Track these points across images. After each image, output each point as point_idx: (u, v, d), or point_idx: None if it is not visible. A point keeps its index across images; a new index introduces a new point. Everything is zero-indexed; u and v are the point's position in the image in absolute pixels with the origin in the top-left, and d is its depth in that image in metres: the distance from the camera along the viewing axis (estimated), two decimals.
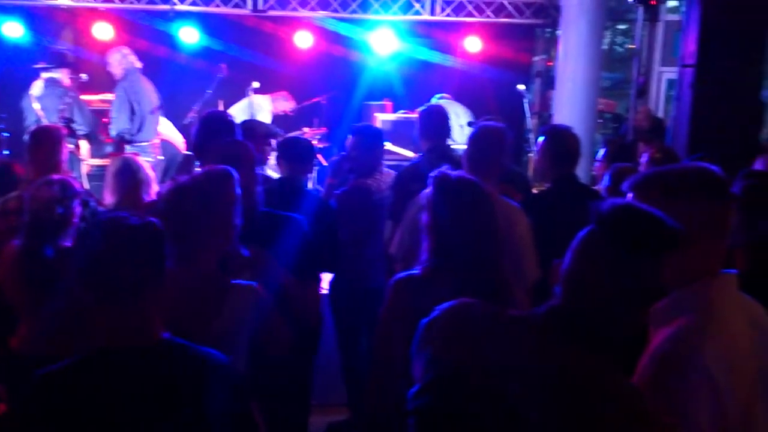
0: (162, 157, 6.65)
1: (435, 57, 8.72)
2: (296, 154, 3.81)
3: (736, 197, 2.13)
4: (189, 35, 7.91)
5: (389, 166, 4.46)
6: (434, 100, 7.42)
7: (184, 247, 2.19)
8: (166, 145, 7.05)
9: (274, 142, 4.45)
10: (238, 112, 7.12)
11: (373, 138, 4.27)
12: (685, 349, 1.48)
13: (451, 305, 1.54)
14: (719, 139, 4.61)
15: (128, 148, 6.16)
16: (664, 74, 10.72)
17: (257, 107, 7.39)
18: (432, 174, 2.36)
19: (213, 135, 3.21)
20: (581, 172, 5.11)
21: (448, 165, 2.60)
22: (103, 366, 1.65)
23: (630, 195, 1.64)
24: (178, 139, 7.25)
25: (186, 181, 2.29)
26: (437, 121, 4.13)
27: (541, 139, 3.80)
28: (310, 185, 5.66)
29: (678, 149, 4.88)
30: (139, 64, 6.61)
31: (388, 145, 6.96)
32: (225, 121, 3.52)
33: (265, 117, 7.28)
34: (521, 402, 1.35)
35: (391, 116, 7.82)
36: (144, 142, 6.52)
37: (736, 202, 2.14)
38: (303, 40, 8.40)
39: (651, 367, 1.50)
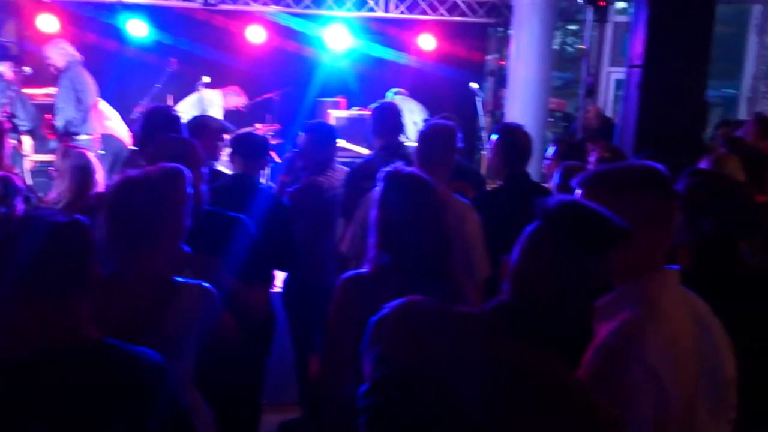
0: (103, 152, 6.49)
1: (389, 54, 8.73)
2: (250, 150, 3.76)
3: (680, 195, 2.17)
4: (137, 28, 7.76)
5: (343, 164, 4.43)
6: (389, 96, 7.42)
7: (130, 246, 2.14)
8: (112, 140, 6.88)
9: (226, 137, 4.38)
10: (189, 107, 7.01)
11: (325, 135, 4.24)
12: (628, 343, 1.50)
13: (400, 303, 1.52)
14: (665, 138, 4.69)
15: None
16: (613, 74, 10.91)
17: (208, 102, 7.28)
18: (383, 170, 2.34)
19: (157, 130, 3.15)
20: (533, 170, 5.18)
21: (401, 162, 2.59)
22: (34, 367, 1.60)
23: (579, 191, 1.66)
24: (124, 134, 7.10)
25: (135, 177, 2.23)
26: (390, 119, 4.12)
27: (494, 137, 3.83)
28: (263, 182, 5.61)
29: (625, 148, 4.96)
30: (80, 57, 6.44)
31: (342, 143, 6.94)
32: (169, 116, 3.45)
33: (216, 112, 7.18)
34: (469, 399, 1.34)
35: (344, 113, 7.80)
36: (86, 135, 6.36)
37: (681, 200, 2.20)
38: (255, 34, 8.31)
39: (595, 361, 1.52)
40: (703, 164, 3.68)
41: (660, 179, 1.62)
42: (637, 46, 4.94)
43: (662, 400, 1.46)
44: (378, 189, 2.30)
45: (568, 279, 1.38)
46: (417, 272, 2.12)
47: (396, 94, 7.56)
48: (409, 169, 2.34)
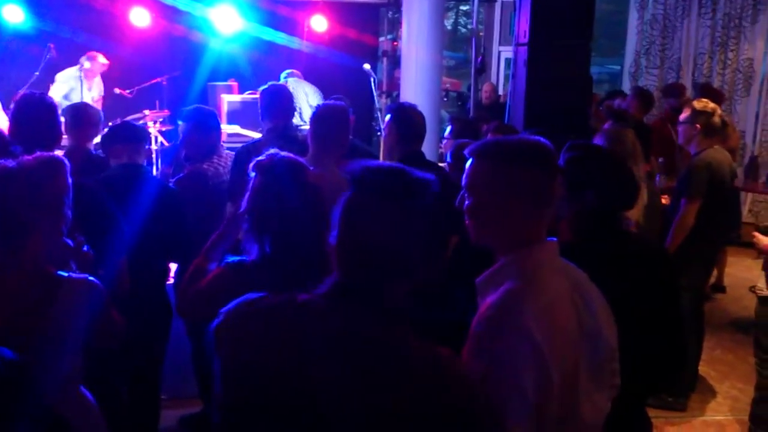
0: None
1: (281, 37, 8.58)
2: (127, 139, 3.59)
3: (561, 169, 2.24)
4: (13, 14, 7.33)
5: (233, 149, 4.31)
6: (282, 78, 7.32)
7: (7, 240, 2.03)
8: None
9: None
10: (61, 92, 6.71)
11: (205, 121, 4.07)
12: (508, 313, 1.53)
13: (235, 305, 1.49)
14: (553, 113, 4.83)
15: None
16: (503, 53, 11.18)
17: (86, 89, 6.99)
18: (255, 159, 2.27)
19: (31, 118, 2.99)
20: (430, 149, 5.24)
21: (291, 145, 2.55)
22: None
23: (470, 160, 1.67)
24: (3, 124, 6.70)
25: (12, 167, 2.11)
26: (279, 101, 4.04)
27: (387, 117, 3.84)
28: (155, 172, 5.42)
29: (516, 124, 5.08)
30: None
31: (235, 128, 6.80)
32: (44, 104, 3.28)
33: (95, 99, 6.90)
34: (320, 388, 1.32)
35: (237, 97, 7.66)
36: None
37: (563, 174, 2.26)
38: (139, 17, 7.99)
39: (476, 332, 1.54)
40: (599, 140, 3.81)
41: (544, 153, 1.66)
42: (523, 24, 5.06)
43: (543, 369, 1.49)
44: (251, 177, 2.23)
45: (382, 240, 1.37)
46: (292, 263, 2.08)
47: (289, 75, 7.46)
48: (283, 155, 2.28)
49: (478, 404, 1.37)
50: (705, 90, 6.72)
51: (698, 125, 4.33)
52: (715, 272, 6.39)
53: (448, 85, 14.45)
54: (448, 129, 4.90)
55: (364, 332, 1.36)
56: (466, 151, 1.69)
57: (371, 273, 1.38)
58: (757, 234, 4.11)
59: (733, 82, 8.57)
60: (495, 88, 9.96)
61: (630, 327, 1.85)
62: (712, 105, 4.36)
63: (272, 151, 2.28)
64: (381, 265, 1.38)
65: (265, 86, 4.17)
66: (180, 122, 4.04)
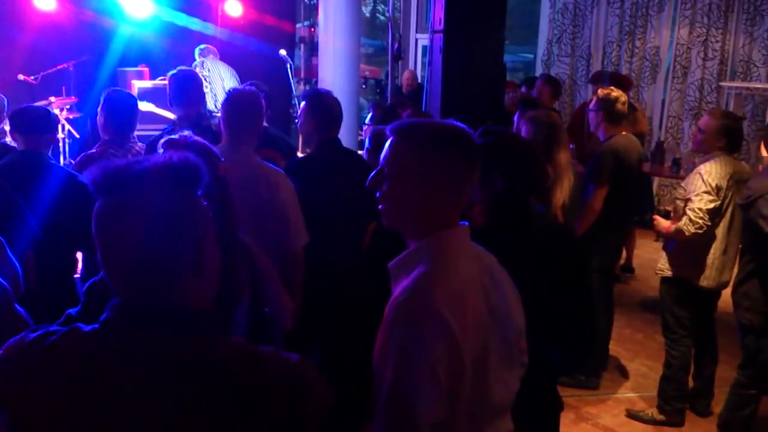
0: None
1: (195, 23, 8.36)
2: (30, 126, 3.42)
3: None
4: None
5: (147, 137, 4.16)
6: (197, 53, 7.15)
7: None
8: None
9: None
10: None
11: (122, 106, 3.89)
12: (420, 296, 1.52)
13: (8, 344, 1.30)
14: (468, 100, 4.90)
15: None
16: (420, 41, 11.23)
17: None
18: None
19: None
20: (349, 136, 5.23)
21: (204, 135, 2.48)
22: None
23: (390, 139, 1.65)
24: None
25: None
26: (187, 87, 3.93)
27: (302, 104, 3.79)
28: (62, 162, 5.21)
29: (432, 111, 5.13)
30: None
31: (150, 106, 6.54)
32: None
33: None
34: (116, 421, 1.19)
35: (148, 83, 7.45)
36: None
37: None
38: (44, 1, 7.64)
39: (389, 317, 1.53)
40: (524, 125, 3.90)
41: (467, 140, 1.66)
42: (438, 12, 5.10)
43: (455, 351, 1.49)
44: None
45: (137, 243, 1.21)
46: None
47: (204, 52, 7.26)
48: (195, 139, 2.19)
49: (311, 403, 1.27)
50: (614, 78, 6.95)
51: (602, 112, 4.47)
52: (624, 254, 6.65)
53: (367, 73, 14.39)
54: (369, 115, 4.89)
55: (168, 355, 1.21)
56: (387, 129, 1.66)
57: (143, 287, 1.24)
58: (656, 217, 4.30)
59: (640, 69, 8.89)
60: (415, 76, 10.02)
61: (540, 310, 1.89)
62: (616, 92, 4.51)
63: (186, 133, 2.21)
64: (147, 275, 1.23)
65: (174, 71, 4.04)
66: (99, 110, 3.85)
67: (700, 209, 3.81)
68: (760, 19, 8.37)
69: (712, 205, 3.80)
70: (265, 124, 3.73)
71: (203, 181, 1.28)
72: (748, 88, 8.39)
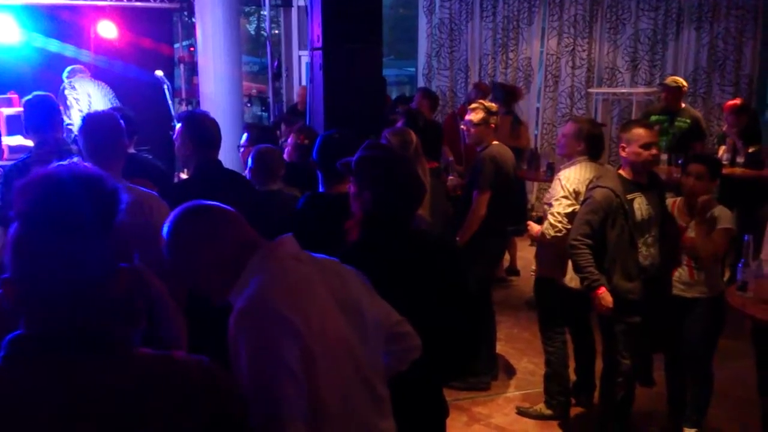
0: None
1: (68, 48, 8.03)
2: None
3: (351, 169, 2.30)
4: None
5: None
6: (65, 75, 6.88)
7: None
8: None
9: None
10: None
11: None
12: (258, 299, 1.59)
13: None
14: (350, 115, 4.96)
15: None
16: (303, 58, 11.25)
17: None
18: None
19: None
20: (234, 155, 5.16)
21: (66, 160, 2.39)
22: None
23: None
24: None
25: None
26: (42, 112, 3.78)
27: (178, 126, 3.73)
28: None
29: (316, 127, 5.16)
30: None
31: (18, 139, 6.24)
32: None
33: None
34: None
35: (18, 110, 7.07)
36: None
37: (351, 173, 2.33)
38: None
39: (233, 326, 1.57)
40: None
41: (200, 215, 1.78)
42: (316, 29, 5.15)
43: (304, 348, 1.55)
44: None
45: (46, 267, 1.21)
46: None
47: (72, 73, 6.99)
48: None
49: (232, 400, 1.33)
50: (504, 89, 7.20)
51: (475, 122, 4.65)
52: (508, 257, 6.90)
53: (253, 90, 14.27)
54: (245, 137, 4.88)
55: (90, 378, 1.19)
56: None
57: (50, 318, 1.23)
58: (530, 223, 4.52)
59: (515, 80, 9.25)
60: (306, 93, 9.99)
61: (419, 321, 1.95)
62: (487, 104, 4.70)
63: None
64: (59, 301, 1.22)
65: (29, 96, 3.89)
66: None
67: (558, 213, 4.00)
68: (622, 28, 8.94)
69: (570, 209, 3.95)
70: (132, 150, 3.64)
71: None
72: (614, 94, 8.93)
